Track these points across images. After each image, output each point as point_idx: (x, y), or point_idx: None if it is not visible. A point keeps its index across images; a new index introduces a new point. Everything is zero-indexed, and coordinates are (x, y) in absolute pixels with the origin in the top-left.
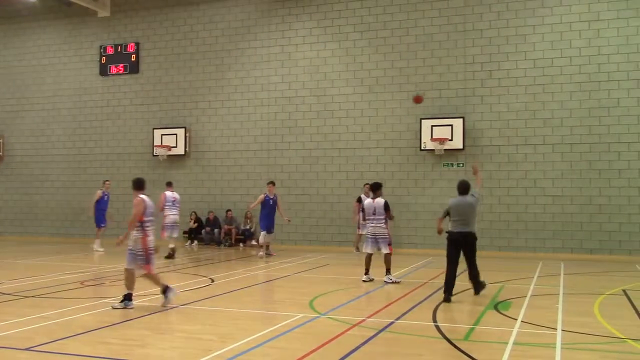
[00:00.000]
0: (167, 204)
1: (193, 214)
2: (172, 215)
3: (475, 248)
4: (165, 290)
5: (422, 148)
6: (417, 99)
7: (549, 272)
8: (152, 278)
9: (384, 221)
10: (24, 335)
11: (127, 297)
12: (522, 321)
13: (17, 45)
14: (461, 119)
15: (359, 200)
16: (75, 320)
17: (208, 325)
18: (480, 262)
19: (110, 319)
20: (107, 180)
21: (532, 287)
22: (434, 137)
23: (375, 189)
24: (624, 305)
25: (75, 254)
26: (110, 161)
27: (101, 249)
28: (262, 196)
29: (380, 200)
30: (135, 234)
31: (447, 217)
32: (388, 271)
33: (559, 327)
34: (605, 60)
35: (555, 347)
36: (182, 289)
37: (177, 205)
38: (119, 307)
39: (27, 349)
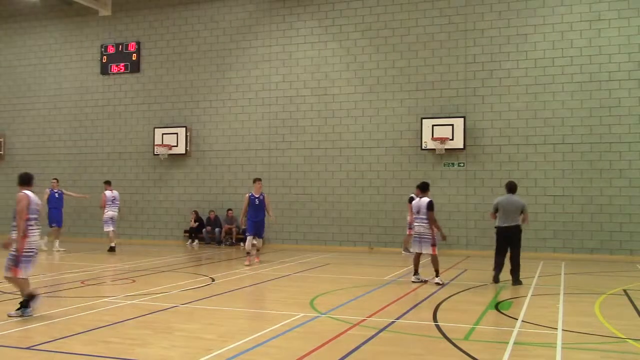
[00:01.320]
0: (107, 202)
1: (194, 213)
2: (110, 211)
3: (521, 239)
4: (28, 300)
5: (423, 147)
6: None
7: (549, 272)
8: (18, 283)
9: (426, 221)
10: (24, 334)
11: (24, 304)
12: (522, 321)
13: (18, 44)
14: (462, 119)
15: (411, 200)
16: (75, 319)
17: (208, 324)
18: (482, 262)
19: (110, 318)
20: (54, 179)
21: (532, 286)
22: (434, 136)
23: (423, 188)
24: (625, 305)
25: (76, 253)
26: (111, 160)
27: (63, 249)
28: (246, 196)
29: (424, 200)
30: (14, 233)
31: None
32: (436, 273)
33: (560, 326)
34: (606, 60)
35: (555, 347)
36: (182, 288)
37: (117, 202)
38: (14, 315)
39: (27, 348)
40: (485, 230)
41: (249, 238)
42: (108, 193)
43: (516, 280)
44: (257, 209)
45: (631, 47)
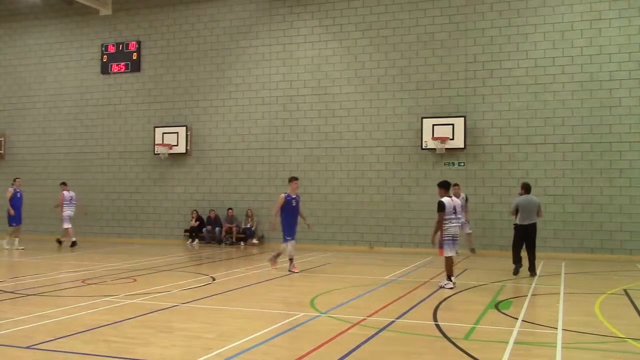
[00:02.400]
0: (65, 201)
1: (194, 212)
2: (68, 210)
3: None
4: None
5: (424, 147)
6: None
7: (549, 272)
8: None
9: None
10: (25, 334)
11: None
12: (522, 320)
13: (19, 44)
14: (462, 118)
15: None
16: (76, 318)
17: (209, 323)
18: (482, 261)
19: (111, 317)
20: (17, 178)
21: (533, 286)
22: (435, 136)
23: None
24: (625, 304)
25: (77, 252)
26: (111, 159)
27: (21, 247)
28: (282, 196)
29: (457, 200)
30: None
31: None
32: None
33: (560, 326)
34: (606, 59)
35: (556, 347)
36: (183, 288)
37: (74, 202)
38: None
39: (28, 347)
40: (486, 229)
41: (290, 243)
42: (66, 193)
43: (533, 272)
44: (294, 210)
45: (632, 46)
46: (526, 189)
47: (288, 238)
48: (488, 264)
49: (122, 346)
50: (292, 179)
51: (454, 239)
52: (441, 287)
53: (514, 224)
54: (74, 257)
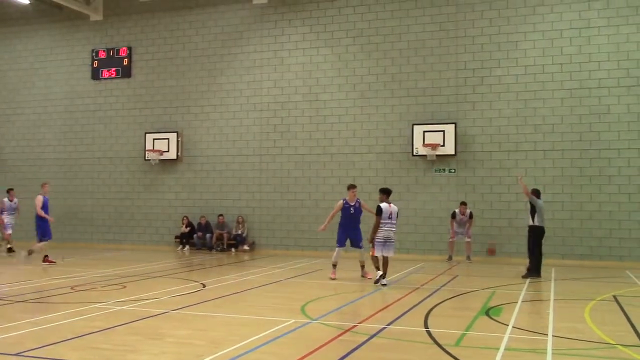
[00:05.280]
0: (9, 209)
1: (185, 218)
2: (10, 218)
3: None
4: None
5: (414, 154)
6: (491, 251)
7: (539, 278)
8: None
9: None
10: (14, 341)
11: None
12: (513, 327)
13: (9, 49)
14: (453, 125)
15: (453, 215)
16: (65, 325)
17: (199, 330)
18: (473, 268)
19: (101, 324)
20: (45, 183)
21: (523, 292)
22: (426, 142)
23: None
24: (615, 311)
25: (66, 258)
26: (101, 165)
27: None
28: (339, 202)
29: (394, 207)
30: None
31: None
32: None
33: (550, 332)
34: (595, 67)
35: (546, 353)
36: (173, 294)
37: (15, 208)
38: None
39: (16, 354)
40: (477, 236)
41: (338, 249)
42: (7, 200)
43: (539, 273)
44: (351, 218)
45: (620, 54)
46: (538, 194)
47: (337, 245)
48: (479, 271)
49: (111, 353)
50: (351, 187)
51: (385, 242)
52: (377, 283)
53: (534, 226)
54: (63, 264)
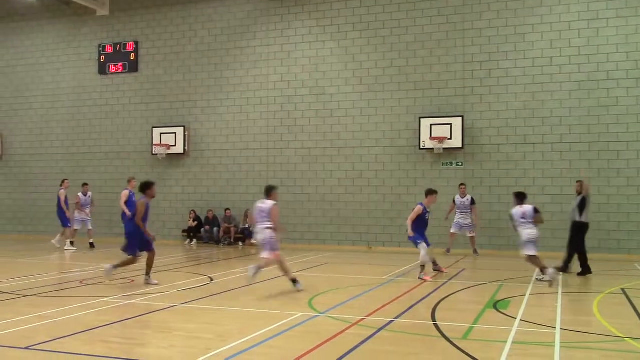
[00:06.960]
0: (83, 204)
1: (192, 212)
2: (79, 213)
3: None
4: None
5: (421, 147)
6: None
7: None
8: None
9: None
10: (24, 334)
11: None
12: (521, 320)
13: (16, 44)
14: (460, 118)
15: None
16: (74, 319)
17: (207, 324)
18: (480, 261)
19: (109, 318)
20: (132, 178)
21: (531, 285)
22: (433, 135)
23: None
24: (623, 304)
25: (75, 252)
26: (109, 160)
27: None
28: (418, 207)
29: (528, 207)
30: None
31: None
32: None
33: (558, 325)
34: (604, 59)
35: (554, 346)
36: (181, 288)
37: (90, 203)
38: None
39: (26, 348)
40: (484, 229)
41: (426, 248)
42: (82, 194)
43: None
44: (424, 222)
45: (629, 46)
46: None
47: (418, 241)
48: (486, 264)
49: (120, 347)
50: (431, 192)
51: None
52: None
53: (580, 222)
54: (71, 258)
